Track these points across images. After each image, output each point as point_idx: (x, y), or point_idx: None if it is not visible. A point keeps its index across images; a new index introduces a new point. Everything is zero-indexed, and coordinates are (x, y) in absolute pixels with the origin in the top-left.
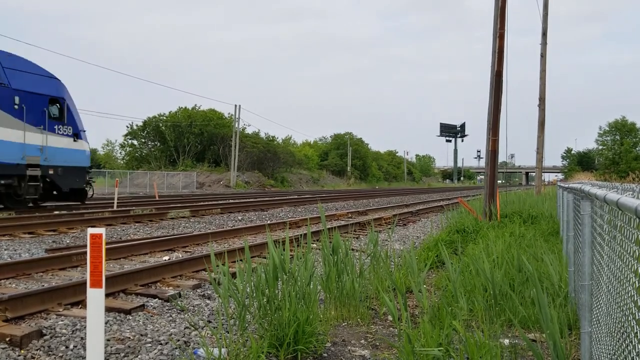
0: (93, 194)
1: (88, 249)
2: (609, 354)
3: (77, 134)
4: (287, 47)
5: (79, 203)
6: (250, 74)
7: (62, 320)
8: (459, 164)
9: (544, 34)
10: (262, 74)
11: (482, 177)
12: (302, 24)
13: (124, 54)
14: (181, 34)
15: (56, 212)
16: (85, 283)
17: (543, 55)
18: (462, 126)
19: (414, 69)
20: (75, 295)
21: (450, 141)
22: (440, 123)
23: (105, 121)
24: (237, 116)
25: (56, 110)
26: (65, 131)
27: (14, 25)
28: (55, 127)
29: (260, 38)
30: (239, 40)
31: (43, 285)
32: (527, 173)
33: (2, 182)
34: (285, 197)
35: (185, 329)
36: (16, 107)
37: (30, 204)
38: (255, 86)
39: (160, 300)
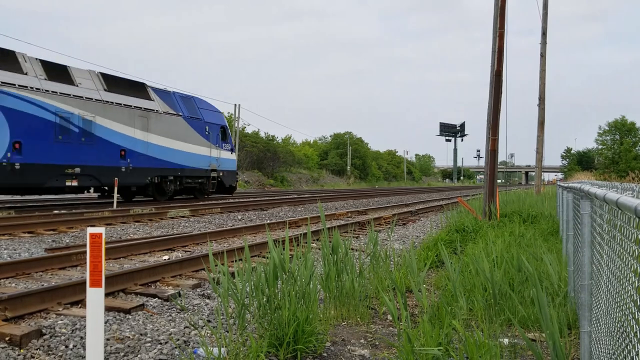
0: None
1: (88, 249)
2: (609, 353)
3: (232, 149)
4: (287, 47)
5: (230, 194)
6: (250, 73)
7: (61, 320)
8: (459, 164)
9: (544, 34)
10: (262, 74)
11: (482, 176)
12: (302, 24)
13: (123, 53)
14: (181, 34)
15: (55, 212)
16: (84, 282)
17: (543, 55)
18: (462, 126)
19: (414, 68)
20: (75, 294)
21: (450, 141)
22: (440, 122)
23: None
24: (236, 115)
25: (222, 134)
26: (227, 147)
27: (17, 25)
28: (223, 145)
29: (261, 38)
30: (238, 40)
31: (43, 285)
32: (526, 172)
33: (199, 181)
34: (285, 197)
35: (185, 328)
36: (206, 133)
37: (206, 195)
38: (255, 85)
39: (160, 300)
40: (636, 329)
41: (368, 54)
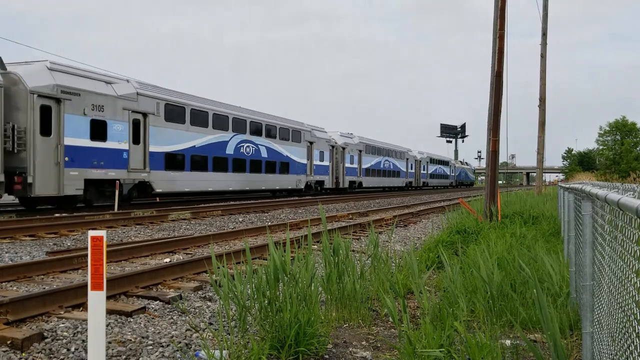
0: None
1: (89, 252)
2: (611, 354)
3: (469, 172)
4: (290, 49)
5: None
6: (253, 74)
7: (63, 323)
8: None
9: (544, 35)
10: (265, 75)
11: (483, 177)
12: (304, 26)
13: (126, 55)
14: (186, 36)
15: (57, 215)
16: (86, 285)
17: (543, 56)
18: (463, 127)
19: (416, 69)
20: (76, 297)
21: (450, 142)
22: (441, 124)
23: None
24: None
25: (472, 171)
26: (471, 172)
27: (22, 29)
28: (473, 172)
29: (265, 39)
30: (239, 42)
31: (44, 288)
32: (527, 173)
33: (471, 183)
34: (286, 199)
35: (186, 331)
36: (469, 172)
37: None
38: (258, 86)
39: (162, 303)
40: (638, 329)
41: (370, 55)
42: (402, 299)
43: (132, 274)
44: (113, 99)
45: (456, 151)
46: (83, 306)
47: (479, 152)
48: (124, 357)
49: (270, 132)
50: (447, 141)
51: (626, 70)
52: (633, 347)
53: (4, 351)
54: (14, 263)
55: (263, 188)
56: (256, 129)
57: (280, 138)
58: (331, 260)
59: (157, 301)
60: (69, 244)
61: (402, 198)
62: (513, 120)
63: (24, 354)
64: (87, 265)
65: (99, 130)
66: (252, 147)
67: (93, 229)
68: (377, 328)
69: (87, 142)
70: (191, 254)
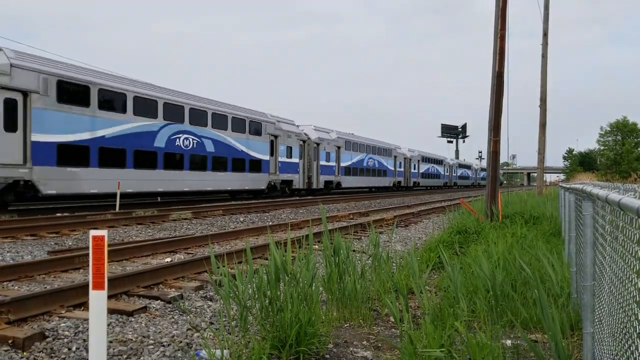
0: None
1: (90, 251)
2: (612, 354)
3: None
4: (291, 51)
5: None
6: (256, 75)
7: (64, 322)
8: None
9: (545, 35)
10: (268, 76)
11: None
12: (304, 29)
13: (129, 57)
14: (189, 39)
15: (58, 215)
16: (87, 285)
17: (544, 56)
18: (464, 127)
19: (416, 70)
20: (77, 297)
21: (451, 142)
22: (442, 124)
23: None
24: None
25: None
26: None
27: (23, 29)
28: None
29: (268, 41)
30: (242, 44)
31: (45, 288)
32: (528, 174)
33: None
34: (287, 199)
35: (187, 330)
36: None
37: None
38: (260, 87)
39: (163, 302)
40: (639, 330)
41: (371, 56)
42: (403, 298)
43: (134, 273)
44: None
45: (457, 152)
46: (84, 305)
47: (479, 152)
48: (125, 356)
49: None
50: (448, 141)
51: (627, 69)
52: (634, 348)
53: (6, 350)
54: (16, 262)
55: None
56: None
57: None
58: (332, 260)
59: (158, 301)
60: (70, 243)
61: (402, 198)
62: (514, 121)
63: (25, 353)
64: (88, 265)
65: None
66: None
67: (94, 228)
68: (377, 328)
69: None
70: (192, 253)
